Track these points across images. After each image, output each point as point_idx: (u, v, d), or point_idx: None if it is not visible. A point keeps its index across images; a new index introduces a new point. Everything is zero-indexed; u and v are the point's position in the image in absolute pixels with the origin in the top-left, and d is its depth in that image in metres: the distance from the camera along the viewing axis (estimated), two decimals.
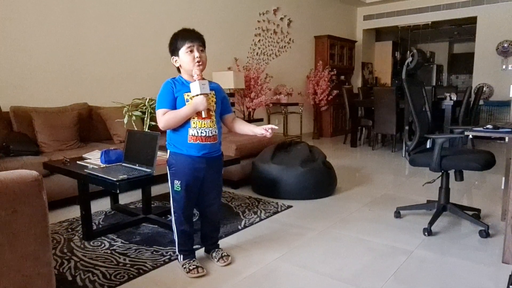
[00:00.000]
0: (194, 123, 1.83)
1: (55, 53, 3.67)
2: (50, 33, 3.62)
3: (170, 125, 1.82)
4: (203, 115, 1.83)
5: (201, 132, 1.84)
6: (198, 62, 1.82)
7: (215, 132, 1.90)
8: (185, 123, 1.83)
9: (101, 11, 3.99)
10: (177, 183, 1.88)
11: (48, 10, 3.58)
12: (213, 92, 1.90)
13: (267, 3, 6.12)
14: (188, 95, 1.83)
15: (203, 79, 1.82)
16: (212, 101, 1.89)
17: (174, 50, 1.87)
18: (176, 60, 1.88)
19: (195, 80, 1.79)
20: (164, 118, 1.80)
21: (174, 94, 1.83)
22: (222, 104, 1.98)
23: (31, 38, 3.49)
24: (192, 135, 1.84)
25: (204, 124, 1.84)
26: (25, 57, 3.46)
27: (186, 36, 1.84)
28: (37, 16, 3.51)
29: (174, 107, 1.83)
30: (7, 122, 3.18)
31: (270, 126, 1.91)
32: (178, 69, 1.93)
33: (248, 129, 2.01)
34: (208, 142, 1.87)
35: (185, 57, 1.83)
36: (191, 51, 1.82)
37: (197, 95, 1.79)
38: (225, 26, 5.42)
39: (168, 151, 1.93)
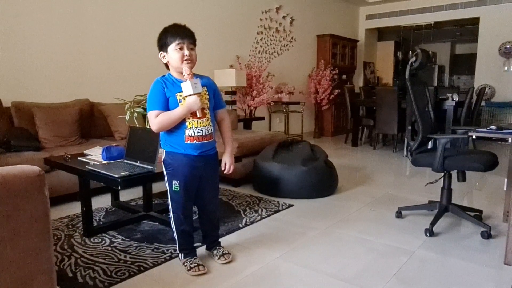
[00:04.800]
0: (189, 123, 1.80)
1: (57, 49, 3.65)
2: (52, 29, 3.60)
3: (164, 127, 1.79)
4: (198, 115, 1.79)
5: (198, 132, 1.82)
6: (187, 60, 1.77)
7: (211, 130, 1.87)
8: (181, 124, 1.80)
9: (104, 8, 3.97)
10: (175, 183, 1.86)
11: (51, 6, 3.56)
12: (205, 88, 1.86)
13: (270, 1, 6.10)
14: (180, 95, 1.78)
15: (194, 75, 1.77)
16: (205, 98, 1.85)
17: (162, 45, 1.82)
18: (164, 56, 1.83)
19: (186, 80, 1.74)
20: (157, 120, 1.76)
21: (166, 94, 1.79)
22: (215, 97, 1.94)
23: (33, 34, 3.48)
24: (188, 135, 1.81)
25: (200, 123, 1.82)
26: (27, 53, 3.45)
27: (177, 32, 1.79)
28: (39, 12, 3.49)
29: (166, 108, 1.78)
30: (9, 117, 3.17)
31: (228, 163, 1.98)
32: (166, 65, 1.88)
33: (224, 140, 2.02)
34: (205, 141, 1.85)
35: (174, 54, 1.78)
36: (181, 48, 1.77)
37: (189, 95, 1.74)
38: (227, 24, 5.40)
39: (164, 150, 1.89)
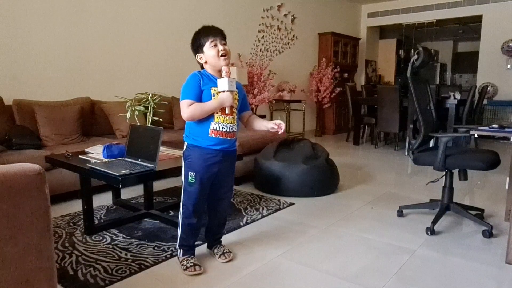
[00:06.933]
0: (217, 118, 1.86)
1: (58, 47, 3.65)
2: (54, 27, 3.60)
3: (194, 117, 1.84)
4: (227, 111, 1.86)
5: (223, 128, 1.87)
6: (223, 55, 1.85)
7: (235, 128, 1.93)
8: (208, 117, 1.86)
9: (105, 5, 3.97)
10: (191, 174, 1.89)
11: (52, 4, 3.56)
12: (237, 90, 1.93)
13: None
14: (214, 90, 1.85)
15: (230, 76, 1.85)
16: (236, 98, 1.92)
17: (198, 47, 1.90)
18: (201, 57, 1.90)
19: (223, 77, 1.82)
20: (190, 109, 1.81)
21: (201, 87, 1.85)
22: (242, 101, 2.02)
23: (35, 32, 3.48)
24: (213, 129, 1.86)
25: (227, 120, 1.87)
26: (28, 51, 3.45)
27: (208, 32, 1.88)
28: (40, 10, 3.49)
29: (199, 99, 1.85)
30: (10, 115, 3.17)
31: (278, 121, 1.95)
32: (201, 66, 1.95)
33: (261, 124, 2.03)
34: (227, 138, 1.90)
35: (210, 52, 1.85)
36: (215, 45, 1.85)
37: (223, 91, 1.82)
38: (228, 22, 5.39)
39: (186, 143, 1.94)
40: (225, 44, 1.89)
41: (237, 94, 1.94)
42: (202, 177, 1.89)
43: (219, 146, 1.88)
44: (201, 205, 1.96)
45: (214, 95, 1.85)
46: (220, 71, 1.86)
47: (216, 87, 1.84)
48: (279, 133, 1.98)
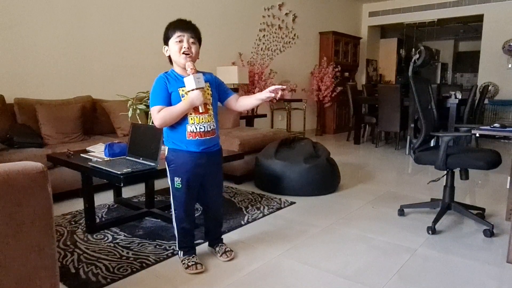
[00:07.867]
0: (191, 119, 1.79)
1: (60, 46, 3.65)
2: (55, 26, 3.60)
3: (167, 123, 1.77)
4: (200, 110, 1.78)
5: (200, 128, 1.80)
6: (185, 52, 1.76)
7: (213, 126, 1.86)
8: (183, 119, 1.78)
9: (106, 4, 3.97)
10: (177, 180, 1.85)
11: (53, 3, 3.56)
12: (208, 84, 1.84)
13: None
14: (183, 90, 1.77)
15: (197, 71, 1.76)
16: (208, 94, 1.84)
17: (166, 39, 1.82)
18: (167, 50, 1.84)
19: (189, 74, 1.74)
20: (160, 115, 1.74)
21: (168, 89, 1.78)
22: (220, 90, 1.93)
23: (36, 31, 3.48)
24: (190, 131, 1.79)
25: (202, 119, 1.80)
26: (30, 49, 3.45)
27: (178, 25, 1.79)
28: (42, 9, 3.49)
29: (169, 103, 1.77)
30: (11, 114, 3.18)
31: (273, 87, 1.79)
32: (170, 59, 1.87)
33: (255, 99, 1.90)
34: (207, 137, 1.83)
35: (173, 47, 1.78)
36: (181, 41, 1.77)
37: (192, 90, 1.73)
38: (229, 21, 5.39)
39: (167, 147, 1.88)
40: (194, 43, 1.79)
41: (209, 88, 1.85)
42: (188, 181, 1.84)
43: (200, 148, 1.82)
44: (191, 208, 1.94)
45: (183, 96, 1.76)
46: (185, 68, 1.76)
47: (185, 86, 1.75)
48: (277, 98, 1.80)
